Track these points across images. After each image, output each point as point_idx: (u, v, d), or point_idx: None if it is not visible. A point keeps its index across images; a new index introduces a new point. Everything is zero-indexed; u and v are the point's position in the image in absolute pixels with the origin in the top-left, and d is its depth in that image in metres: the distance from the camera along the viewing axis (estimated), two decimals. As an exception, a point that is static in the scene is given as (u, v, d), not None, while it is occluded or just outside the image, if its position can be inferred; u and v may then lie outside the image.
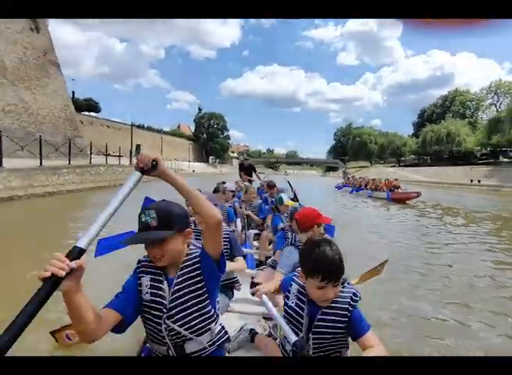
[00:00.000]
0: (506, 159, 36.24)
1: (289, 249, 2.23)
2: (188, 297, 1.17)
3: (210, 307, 1.22)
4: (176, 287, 1.16)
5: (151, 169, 0.98)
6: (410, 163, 54.18)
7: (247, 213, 4.30)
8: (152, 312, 1.17)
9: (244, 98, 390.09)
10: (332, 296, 1.23)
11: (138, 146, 25.54)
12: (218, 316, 1.28)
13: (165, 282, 1.17)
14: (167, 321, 1.16)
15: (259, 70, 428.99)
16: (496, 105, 47.05)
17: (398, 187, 14.92)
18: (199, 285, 1.19)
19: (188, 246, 1.25)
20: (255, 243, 4.00)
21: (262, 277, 2.35)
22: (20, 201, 9.37)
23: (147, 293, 1.18)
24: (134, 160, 23.44)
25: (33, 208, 8.93)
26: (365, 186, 17.43)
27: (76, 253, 0.81)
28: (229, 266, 1.91)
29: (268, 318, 2.19)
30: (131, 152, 24.50)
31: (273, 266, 2.56)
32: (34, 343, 2.11)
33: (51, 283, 0.75)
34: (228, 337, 1.31)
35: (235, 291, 2.33)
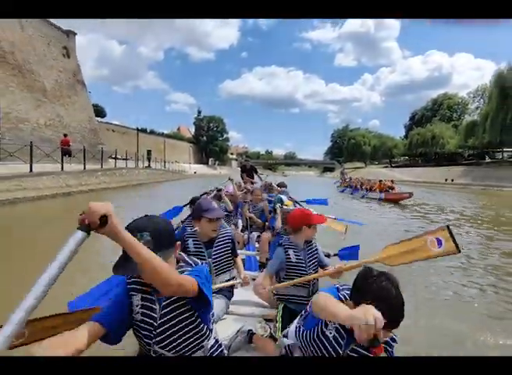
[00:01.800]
0: (489, 160, 39.75)
1: (277, 251, 2.24)
2: (178, 319, 1.14)
3: (202, 325, 1.19)
4: (164, 310, 1.13)
5: (98, 226, 0.82)
6: (401, 164, 57.97)
7: (250, 216, 4.41)
8: (142, 332, 1.16)
9: (243, 99, 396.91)
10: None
11: (149, 152, 28.93)
12: (211, 330, 1.26)
13: (157, 303, 1.14)
14: (155, 346, 1.14)
15: (257, 71, 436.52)
16: (481, 109, 50.80)
17: (393, 189, 15.64)
18: (188, 307, 1.15)
19: (178, 262, 1.23)
20: (257, 245, 4.03)
21: (262, 279, 2.35)
22: (74, 195, 13.12)
23: (137, 313, 1.15)
24: (140, 164, 26.25)
25: (83, 199, 12.72)
26: (361, 187, 18.28)
27: None
28: (238, 269, 2.29)
29: (268, 319, 2.17)
30: (137, 156, 27.41)
31: None
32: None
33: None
34: (222, 350, 1.29)
35: (235, 293, 2.34)
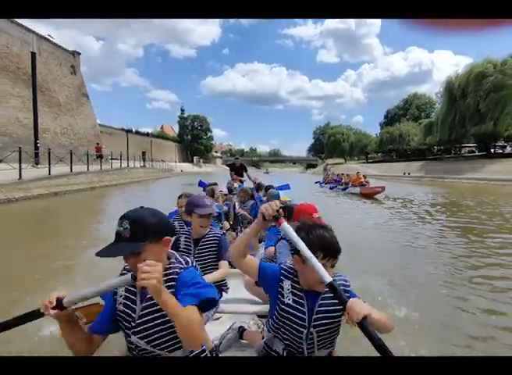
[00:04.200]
0: (449, 155, 46.16)
1: (280, 245, 2.38)
2: (160, 314, 1.16)
3: None
4: (147, 303, 1.18)
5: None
6: (377, 160, 64.40)
7: (243, 213, 4.67)
8: (123, 322, 1.23)
9: (226, 96, 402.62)
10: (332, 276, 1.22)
11: (144, 153, 33.86)
12: None
13: (138, 295, 1.20)
14: (133, 336, 1.19)
15: (240, 68, 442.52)
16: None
17: (367, 183, 16.24)
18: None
19: (169, 258, 1.26)
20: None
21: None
22: (96, 189, 18.04)
23: (120, 303, 1.24)
24: (135, 164, 30.51)
25: (101, 192, 17.72)
26: (339, 182, 19.11)
27: (58, 304, 1.05)
28: (210, 278, 2.07)
29: (261, 315, 2.16)
30: (128, 157, 30.99)
31: None
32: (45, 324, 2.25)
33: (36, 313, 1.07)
34: (204, 350, 1.26)
35: (227, 291, 2.41)
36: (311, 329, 1.32)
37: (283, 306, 1.36)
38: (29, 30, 20.86)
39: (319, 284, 1.25)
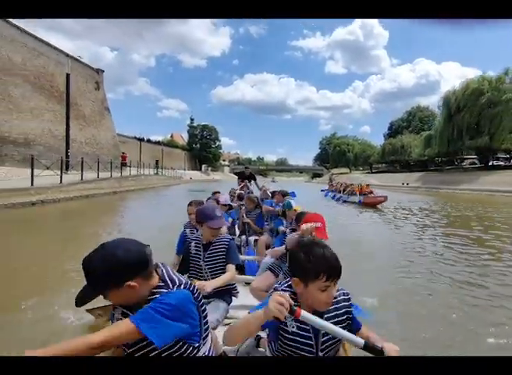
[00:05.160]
0: (450, 167, 47.73)
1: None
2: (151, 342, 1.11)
3: (181, 343, 1.18)
4: None
5: None
6: (381, 170, 66.16)
7: (248, 221, 4.70)
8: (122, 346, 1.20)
9: (235, 105, 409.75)
10: (334, 295, 1.23)
11: (157, 161, 36.67)
12: (199, 347, 1.24)
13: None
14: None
15: (249, 78, 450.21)
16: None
17: (371, 193, 16.46)
18: None
19: (156, 287, 1.18)
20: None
21: (259, 281, 2.49)
22: (117, 194, 20.54)
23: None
24: (150, 171, 32.89)
25: (122, 196, 20.22)
26: (343, 191, 19.54)
27: None
28: (219, 282, 2.08)
29: None
30: (140, 165, 32.80)
31: (272, 270, 2.71)
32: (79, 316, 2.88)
33: None
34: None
35: (237, 297, 2.43)
36: (319, 353, 1.29)
37: (287, 335, 1.29)
38: (63, 53, 24.05)
39: (323, 304, 1.24)
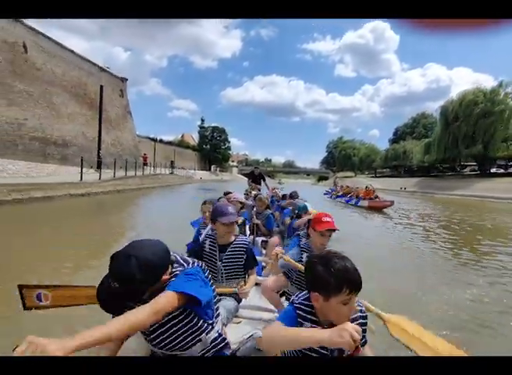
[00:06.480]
0: (450, 173, 49.72)
1: (293, 250, 2.46)
2: (168, 318, 1.26)
3: (197, 319, 1.32)
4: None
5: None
6: (385, 174, 68.22)
7: (257, 222, 4.72)
8: (140, 334, 1.35)
9: (244, 106, 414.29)
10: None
11: (172, 162, 39.99)
12: (212, 324, 1.36)
13: None
14: (149, 345, 1.32)
15: (259, 80, 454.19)
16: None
17: (377, 197, 16.52)
18: (180, 309, 1.27)
19: (172, 264, 1.33)
20: (264, 251, 4.28)
21: (273, 281, 2.47)
22: (141, 190, 23.74)
23: None
24: (165, 170, 36.34)
25: (144, 192, 23.43)
26: (347, 194, 19.71)
27: None
28: (250, 288, 2.18)
29: None
30: (155, 164, 36.45)
31: (287, 274, 2.68)
32: None
33: None
34: (226, 344, 1.42)
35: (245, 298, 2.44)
36: (335, 353, 1.27)
37: (306, 351, 1.25)
38: (96, 65, 27.75)
39: (345, 318, 1.18)
